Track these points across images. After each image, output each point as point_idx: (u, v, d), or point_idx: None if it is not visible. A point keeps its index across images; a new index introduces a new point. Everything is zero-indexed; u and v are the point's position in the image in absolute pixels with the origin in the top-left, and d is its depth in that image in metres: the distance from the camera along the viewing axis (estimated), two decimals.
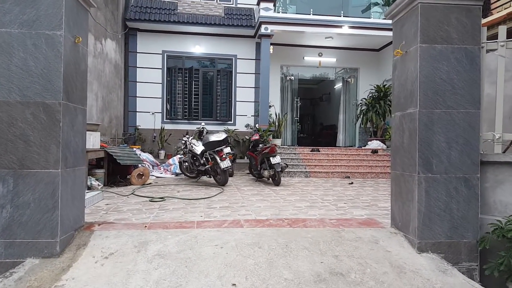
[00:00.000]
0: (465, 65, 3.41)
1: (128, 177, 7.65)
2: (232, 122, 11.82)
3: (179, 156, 8.65)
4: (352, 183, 8.32)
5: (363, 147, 11.71)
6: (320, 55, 12.73)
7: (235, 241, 3.52)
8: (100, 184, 6.66)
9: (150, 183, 7.67)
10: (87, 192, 5.50)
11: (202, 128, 8.65)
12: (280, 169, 7.37)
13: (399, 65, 3.83)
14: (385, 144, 11.50)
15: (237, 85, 11.81)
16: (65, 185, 3.32)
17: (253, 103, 11.86)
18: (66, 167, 3.32)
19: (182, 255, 3.26)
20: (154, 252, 3.33)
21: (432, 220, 3.42)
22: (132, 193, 6.24)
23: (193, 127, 9.82)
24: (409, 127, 3.58)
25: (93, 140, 6.74)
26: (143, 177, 7.52)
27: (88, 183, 6.44)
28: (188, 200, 5.66)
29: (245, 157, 9.25)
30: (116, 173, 7.96)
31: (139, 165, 8.80)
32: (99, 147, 7.05)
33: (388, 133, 11.28)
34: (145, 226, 3.94)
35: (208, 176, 7.76)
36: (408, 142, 3.60)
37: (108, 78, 9.71)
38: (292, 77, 12.97)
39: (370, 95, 12.17)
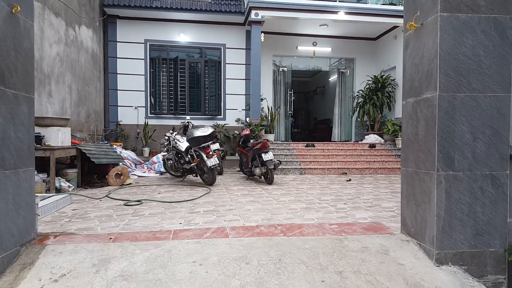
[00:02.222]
0: (494, 39, 2.80)
1: (107, 177, 6.97)
2: (221, 116, 11.15)
3: (163, 153, 7.98)
4: (350, 180, 7.73)
5: (359, 142, 11.13)
6: (314, 44, 12.09)
7: (217, 256, 2.89)
8: (71, 185, 5.99)
9: (130, 184, 7.00)
10: (52, 196, 4.84)
11: (187, 122, 7.99)
12: (272, 167, 6.74)
13: (412, 41, 3.21)
14: (382, 138, 10.93)
15: (226, 77, 11.12)
16: (4, 191, 2.67)
17: (244, 96, 11.20)
18: (4, 169, 2.66)
19: (151, 276, 2.63)
20: (116, 273, 2.69)
21: (453, 227, 2.83)
22: (106, 196, 5.57)
23: (180, 123, 9.13)
24: (425, 115, 2.96)
25: (62, 137, 6.05)
26: (121, 177, 6.85)
27: (57, 184, 5.77)
28: (168, 203, 5.02)
29: (236, 154, 8.62)
30: (94, 173, 7.29)
31: (120, 163, 8.13)
32: (70, 144, 6.36)
33: (386, 127, 10.72)
34: (110, 238, 3.30)
35: (194, 175, 7.11)
36: (424, 134, 2.99)
37: (84, 69, 8.98)
38: (285, 69, 12.32)
39: (367, 86, 11.58)
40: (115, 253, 2.98)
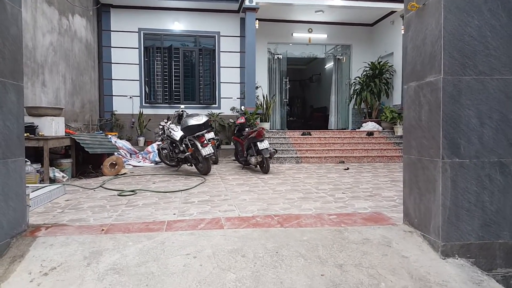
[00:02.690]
0: (501, 19, 2.67)
1: (101, 167, 6.84)
2: (216, 105, 10.98)
3: (157, 143, 7.84)
4: (348, 168, 7.63)
5: (357, 130, 11.02)
6: (310, 31, 11.88)
7: (212, 248, 2.78)
8: (65, 176, 5.85)
9: (124, 173, 6.87)
10: (45, 186, 4.71)
11: (182, 111, 7.82)
12: (268, 155, 6.63)
13: (414, 22, 3.06)
14: (380, 125, 10.83)
15: (221, 65, 10.92)
16: None
17: (239, 84, 11.02)
18: None
19: (143, 269, 2.52)
20: (108, 266, 2.58)
21: (460, 217, 2.72)
22: (100, 186, 5.45)
23: (174, 111, 8.97)
24: (429, 99, 2.84)
25: (56, 126, 5.89)
26: (116, 166, 6.72)
27: (51, 175, 5.63)
28: (162, 193, 4.90)
29: (231, 143, 8.50)
30: (89, 163, 7.15)
31: (115, 153, 7.99)
32: (64, 133, 6.20)
33: (383, 114, 10.61)
34: (102, 230, 3.18)
35: (189, 164, 6.99)
36: (427, 119, 2.87)
37: (79, 58, 8.77)
38: (280, 56, 12.11)
39: (364, 73, 11.42)
40: (107, 245, 2.86)
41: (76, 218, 3.66)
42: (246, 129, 7.58)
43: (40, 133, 5.62)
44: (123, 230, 3.16)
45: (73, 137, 6.26)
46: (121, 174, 6.74)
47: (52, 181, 5.63)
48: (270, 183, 5.72)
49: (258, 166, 7.07)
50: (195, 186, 5.37)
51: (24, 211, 3.08)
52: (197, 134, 6.43)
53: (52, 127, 5.78)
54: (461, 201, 2.72)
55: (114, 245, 2.87)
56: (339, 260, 2.64)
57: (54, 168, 5.75)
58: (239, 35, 10.91)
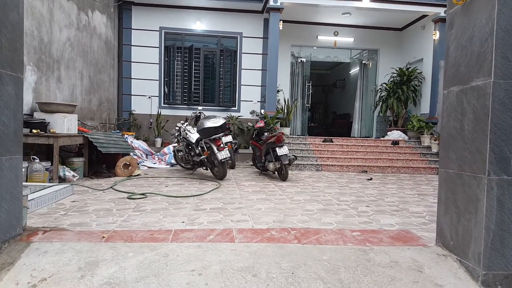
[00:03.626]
0: None
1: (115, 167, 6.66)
2: (236, 108, 10.72)
3: (173, 144, 7.63)
4: (371, 179, 7.21)
5: (381, 138, 10.54)
6: (336, 34, 11.50)
7: (220, 264, 2.48)
8: (76, 175, 5.68)
9: (138, 175, 6.67)
10: (51, 186, 4.52)
11: (199, 113, 7.60)
12: (287, 162, 6.29)
13: (459, 18, 2.70)
14: (407, 134, 10.32)
15: (242, 67, 10.67)
16: None
17: (260, 87, 10.74)
18: None
19: (142, 286, 2.24)
20: (103, 279, 2.32)
21: (506, 243, 2.34)
22: (111, 187, 5.24)
23: (192, 113, 8.75)
24: (474, 106, 2.47)
25: (68, 124, 5.74)
26: (129, 167, 6.52)
27: (61, 173, 5.47)
28: (174, 198, 4.64)
29: (249, 147, 8.20)
30: (103, 163, 7.00)
31: (131, 153, 7.82)
32: (77, 131, 6.05)
33: (410, 123, 10.10)
34: (103, 237, 2.93)
35: (204, 168, 6.73)
36: (472, 129, 2.49)
37: (97, 55, 8.68)
38: (304, 59, 11.77)
39: (391, 79, 10.94)
40: (106, 255, 2.60)
41: (78, 222, 3.42)
42: (265, 134, 7.28)
43: (51, 130, 5.48)
44: (125, 238, 2.90)
45: (86, 135, 6.10)
46: (135, 176, 6.54)
47: (62, 180, 5.47)
48: (288, 192, 5.38)
49: (276, 172, 6.75)
50: (209, 192, 5.09)
51: (19, 213, 2.86)
52: (213, 137, 6.16)
53: (64, 124, 5.63)
54: (508, 224, 2.34)
55: (113, 255, 2.61)
56: (363, 286, 2.30)
57: (64, 166, 5.58)
58: (262, 36, 10.64)
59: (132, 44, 10.25)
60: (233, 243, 2.83)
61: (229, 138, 7.82)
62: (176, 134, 7.28)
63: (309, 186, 6.04)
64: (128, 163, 6.53)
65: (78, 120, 7.41)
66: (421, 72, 10.76)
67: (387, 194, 5.46)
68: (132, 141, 8.38)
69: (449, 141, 2.82)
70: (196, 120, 7.44)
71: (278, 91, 10.42)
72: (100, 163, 6.97)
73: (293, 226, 3.40)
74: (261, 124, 7.31)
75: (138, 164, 7.91)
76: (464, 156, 2.58)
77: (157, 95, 10.39)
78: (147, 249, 2.69)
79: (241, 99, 10.73)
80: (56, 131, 5.60)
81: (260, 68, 10.71)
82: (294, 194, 5.17)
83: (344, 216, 3.91)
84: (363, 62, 12.20)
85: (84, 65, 7.98)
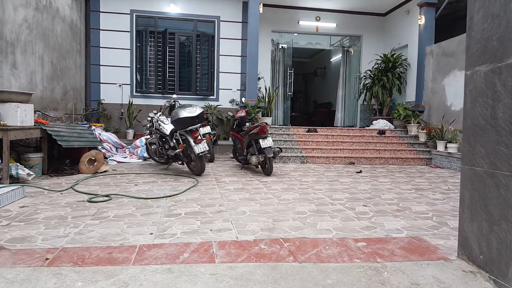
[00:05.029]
0: None
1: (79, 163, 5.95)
2: (214, 97, 10.06)
3: (145, 136, 6.94)
4: (360, 171, 6.75)
5: (367, 128, 10.12)
6: (317, 19, 10.94)
7: None
8: (31, 173, 4.95)
9: (105, 171, 5.98)
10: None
11: (174, 101, 6.93)
12: (272, 155, 5.74)
13: None
14: (392, 123, 9.94)
15: (220, 53, 9.98)
16: None
17: (239, 75, 10.11)
18: None
19: None
20: None
21: None
22: (71, 187, 4.55)
23: (166, 102, 8.04)
24: (511, 90, 1.95)
25: (22, 115, 4.99)
26: (95, 163, 5.82)
27: (13, 172, 4.74)
28: (143, 199, 4.01)
29: (230, 138, 7.62)
30: (66, 158, 6.27)
31: (99, 147, 7.10)
32: (33, 123, 5.29)
33: (396, 111, 9.71)
34: (47, 258, 2.30)
35: (180, 162, 6.10)
36: (509, 117, 1.99)
37: (61, 40, 7.83)
38: (285, 46, 11.17)
39: (376, 66, 10.50)
40: (46, 286, 1.99)
41: (20, 236, 2.77)
42: (247, 124, 6.69)
43: (1, 122, 4.72)
44: (76, 260, 2.28)
45: (44, 127, 5.35)
46: (101, 172, 5.85)
47: (16, 179, 4.75)
48: (274, 189, 4.83)
49: (259, 166, 6.19)
50: (184, 191, 4.47)
51: None
52: (190, 128, 5.52)
53: (17, 116, 4.88)
54: None
55: (56, 286, 2.00)
56: None
57: (18, 164, 4.84)
58: (241, 20, 9.97)
59: (100, 28, 9.40)
60: (213, 263, 2.26)
61: (207, 129, 7.21)
62: (149, 125, 6.59)
63: (296, 181, 5.51)
64: (93, 158, 5.82)
65: (38, 111, 6.65)
66: (406, 58, 10.37)
67: (383, 190, 4.98)
68: (100, 133, 7.63)
69: (475, 132, 2.31)
70: (170, 110, 6.77)
71: (259, 78, 9.81)
72: (63, 158, 6.24)
73: (286, 236, 2.85)
74: (242, 113, 6.71)
75: (106, 158, 7.20)
76: (499, 150, 2.08)
77: (129, 83, 9.60)
78: (102, 276, 2.08)
79: (220, 87, 10.07)
80: (8, 123, 4.84)
81: (240, 55, 10.06)
82: (282, 192, 4.62)
83: (342, 220, 3.39)
84: (346, 48, 11.70)
85: (46, 50, 7.14)
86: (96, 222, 3.12)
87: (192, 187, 4.76)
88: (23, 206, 3.63)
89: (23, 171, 4.85)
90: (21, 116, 4.99)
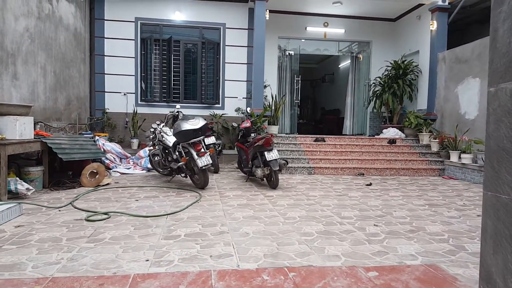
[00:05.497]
0: None
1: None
2: (220, 105, 9.91)
3: (148, 148, 6.79)
4: (370, 184, 6.52)
5: (376, 136, 9.87)
6: (325, 25, 10.75)
7: None
8: (31, 188, 4.79)
9: (107, 184, 5.84)
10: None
11: (177, 112, 6.77)
12: (277, 168, 5.54)
13: None
14: (403, 132, 9.67)
15: (226, 61, 9.84)
16: None
17: (245, 82, 9.95)
18: None
19: None
20: None
21: None
22: (70, 203, 4.40)
23: (169, 112, 7.89)
24: None
25: (21, 128, 4.87)
26: (97, 176, 5.68)
27: (12, 187, 4.59)
28: (143, 218, 3.83)
29: (235, 148, 7.43)
30: (68, 170, 6.14)
31: (102, 158, 6.98)
32: (33, 136, 5.17)
33: (407, 119, 9.45)
34: None
35: (183, 175, 5.93)
36: None
37: (64, 49, 7.75)
38: (292, 52, 10.99)
39: (386, 73, 10.26)
40: None
41: (11, 262, 2.61)
42: (252, 135, 6.51)
43: (0, 135, 4.60)
44: None
45: (44, 140, 5.23)
46: (103, 185, 5.70)
47: (15, 195, 4.61)
48: (280, 205, 4.63)
49: (265, 179, 6.00)
50: (186, 208, 4.29)
51: None
52: (192, 140, 5.36)
53: (16, 129, 4.76)
54: None
55: None
56: None
57: (17, 178, 4.71)
58: (247, 27, 9.83)
59: (105, 36, 9.32)
60: None
61: (212, 140, 7.04)
62: (151, 136, 6.44)
63: (303, 196, 5.30)
64: (95, 170, 5.68)
65: (40, 122, 6.55)
66: (417, 65, 10.12)
67: (394, 206, 4.75)
68: (103, 144, 7.51)
69: (500, 156, 2.09)
70: (174, 121, 6.62)
71: (265, 86, 9.64)
72: (65, 170, 6.12)
73: (291, 264, 2.65)
74: (247, 124, 6.52)
75: (110, 169, 7.08)
76: None
77: (133, 91, 9.49)
78: None
79: (225, 96, 9.92)
80: (6, 137, 4.72)
81: (246, 62, 9.90)
82: (287, 209, 4.42)
83: (352, 243, 3.17)
84: (355, 55, 11.49)
85: (48, 59, 7.05)
86: (91, 245, 2.96)
87: (194, 203, 4.58)
88: (18, 226, 3.48)
89: (22, 186, 4.70)
90: (20, 129, 4.87)
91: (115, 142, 8.37)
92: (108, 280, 2.30)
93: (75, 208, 4.21)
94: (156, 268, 2.51)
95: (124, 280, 2.31)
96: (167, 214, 3.98)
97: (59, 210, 4.10)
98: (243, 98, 9.91)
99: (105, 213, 3.91)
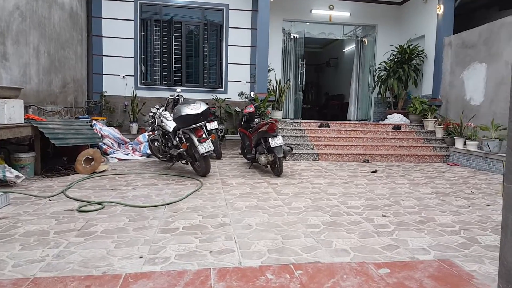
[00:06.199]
0: None
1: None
2: (222, 89, 9.63)
3: (147, 133, 6.56)
4: (376, 171, 6.30)
5: (381, 122, 9.60)
6: (331, 7, 10.36)
7: None
8: (21, 175, 4.57)
9: (104, 170, 5.63)
10: None
11: (178, 96, 6.51)
12: (282, 155, 5.32)
13: None
14: (408, 118, 9.41)
15: (229, 43, 9.51)
16: None
17: (249, 66, 9.63)
18: None
19: None
20: None
21: None
22: (62, 192, 4.20)
23: (169, 96, 7.62)
24: None
25: (9, 112, 4.63)
26: (92, 162, 5.47)
27: (0, 175, 4.38)
28: (139, 208, 3.63)
29: (238, 134, 7.20)
30: (63, 156, 5.92)
31: (99, 144, 6.76)
32: (23, 120, 4.94)
33: (412, 105, 9.17)
34: None
35: (184, 162, 5.71)
36: None
37: (59, 29, 7.44)
38: (297, 36, 10.63)
39: (391, 57, 9.93)
40: None
41: None
42: (256, 120, 6.26)
43: None
44: None
45: (35, 124, 5.00)
46: (99, 172, 5.49)
47: (3, 183, 4.41)
48: (284, 194, 4.42)
49: (269, 166, 5.78)
50: (186, 197, 4.09)
51: None
52: (193, 126, 5.12)
53: (4, 113, 4.53)
54: None
55: None
56: None
57: (5, 166, 4.49)
58: (250, 9, 9.47)
59: (103, 16, 8.99)
60: None
61: (214, 125, 6.80)
62: (150, 121, 6.20)
63: (308, 183, 5.08)
64: (91, 157, 5.47)
65: (33, 105, 6.30)
66: (423, 49, 9.77)
67: (401, 195, 4.54)
68: (101, 128, 7.28)
69: None
70: (174, 105, 6.37)
71: (269, 70, 9.33)
72: (60, 156, 5.90)
73: (297, 260, 2.44)
74: (251, 109, 6.26)
75: (107, 155, 6.87)
76: None
77: (133, 74, 9.20)
78: None
79: (228, 79, 9.62)
80: None
81: (249, 45, 9.58)
82: (292, 198, 4.21)
83: (360, 236, 2.97)
84: (360, 39, 11.11)
85: (42, 39, 6.76)
86: (81, 239, 2.75)
87: (194, 191, 4.37)
88: (4, 217, 3.27)
89: (10, 174, 4.47)
90: (9, 113, 4.63)
91: (113, 127, 8.13)
92: (96, 281, 2.09)
93: (67, 197, 4.00)
94: (150, 267, 2.31)
95: (114, 280, 2.10)
96: (165, 204, 3.77)
97: (50, 200, 3.89)
98: (246, 82, 9.62)
99: (99, 203, 3.70)
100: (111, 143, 7.27)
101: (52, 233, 2.87)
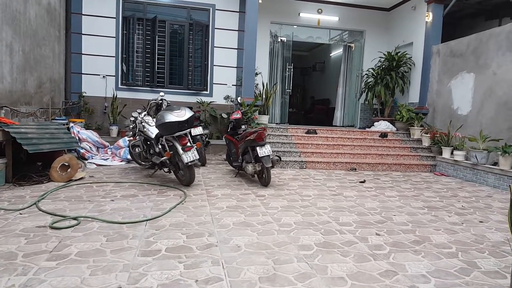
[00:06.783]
0: None
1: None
2: (207, 92, 9.36)
3: (128, 138, 6.25)
4: (364, 181, 6.17)
5: (367, 129, 9.52)
6: (319, 11, 10.23)
7: None
8: None
9: (81, 178, 5.31)
10: None
11: (161, 100, 6.23)
12: (270, 165, 5.12)
13: None
14: (394, 125, 9.36)
15: (214, 45, 9.25)
16: None
17: (235, 68, 9.40)
18: None
19: None
20: None
21: None
22: (35, 203, 3.88)
23: (151, 100, 7.29)
24: None
25: None
26: (69, 170, 5.14)
27: None
28: (118, 225, 3.35)
29: (223, 139, 6.95)
30: (38, 161, 5.56)
31: (77, 148, 6.42)
32: None
33: (399, 113, 9.13)
34: None
35: (166, 170, 5.44)
36: None
37: (36, 25, 7.04)
38: (284, 39, 10.46)
39: (379, 64, 9.87)
40: None
41: None
42: (243, 126, 6.04)
43: None
44: None
45: (6, 129, 4.65)
46: (76, 180, 5.17)
47: None
48: (273, 207, 4.21)
49: (256, 175, 5.57)
50: (168, 211, 3.83)
51: None
52: (178, 134, 4.86)
53: None
54: None
55: None
56: None
57: None
58: (238, 10, 9.23)
59: (83, 13, 8.59)
60: None
61: (199, 130, 6.55)
62: (131, 126, 5.90)
63: (296, 195, 4.89)
64: (67, 163, 5.14)
65: (5, 107, 5.95)
66: (411, 57, 9.75)
67: (392, 209, 4.41)
68: (79, 132, 6.93)
69: None
70: (157, 109, 6.08)
71: (257, 74, 9.12)
72: (34, 162, 5.54)
73: None
74: (238, 115, 6.03)
75: (86, 160, 6.53)
76: None
77: (114, 74, 8.83)
78: None
79: (214, 82, 9.36)
80: None
81: (236, 47, 9.34)
82: (281, 212, 4.01)
83: (356, 259, 2.79)
84: (347, 44, 11.03)
85: (15, 36, 6.36)
86: (52, 264, 2.48)
87: (177, 204, 4.11)
88: None
89: None
90: None
91: (92, 129, 7.78)
92: None
93: (40, 210, 3.69)
94: None
95: None
96: (147, 220, 3.51)
97: (20, 213, 3.58)
98: (232, 85, 9.38)
99: (74, 218, 3.41)
100: (90, 147, 6.92)
101: (20, 256, 2.58)
